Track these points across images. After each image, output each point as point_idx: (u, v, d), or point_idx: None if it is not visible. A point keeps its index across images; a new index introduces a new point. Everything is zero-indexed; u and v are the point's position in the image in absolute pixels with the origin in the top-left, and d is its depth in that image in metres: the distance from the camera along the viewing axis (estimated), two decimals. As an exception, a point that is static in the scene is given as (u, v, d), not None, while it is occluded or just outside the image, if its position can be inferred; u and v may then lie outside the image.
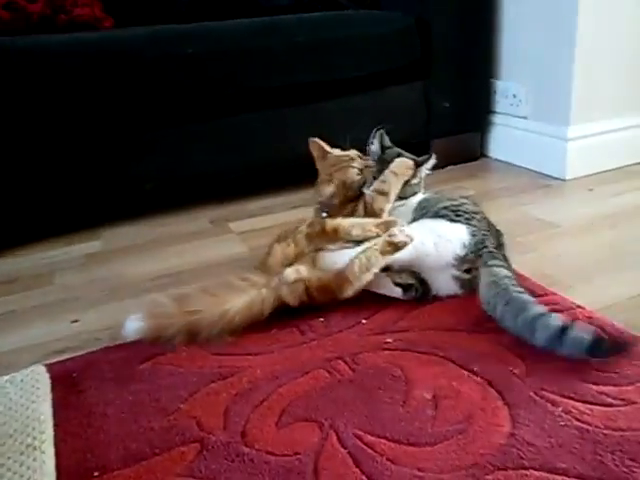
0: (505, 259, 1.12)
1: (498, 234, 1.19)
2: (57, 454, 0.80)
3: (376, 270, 1.10)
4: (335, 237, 1.17)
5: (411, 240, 1.10)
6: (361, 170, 1.31)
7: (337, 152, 1.37)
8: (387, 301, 1.15)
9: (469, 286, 1.12)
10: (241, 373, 0.96)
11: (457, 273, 1.12)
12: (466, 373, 0.91)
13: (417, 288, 1.14)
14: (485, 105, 2.13)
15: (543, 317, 0.93)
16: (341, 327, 1.08)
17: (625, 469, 0.72)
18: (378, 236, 1.14)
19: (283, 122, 1.84)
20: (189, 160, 1.77)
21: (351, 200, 1.32)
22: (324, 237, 1.18)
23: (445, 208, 1.20)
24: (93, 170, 1.66)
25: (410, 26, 1.91)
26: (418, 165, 1.30)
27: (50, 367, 1.01)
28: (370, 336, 1.04)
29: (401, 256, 1.11)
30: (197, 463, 0.77)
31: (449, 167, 2.07)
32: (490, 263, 1.08)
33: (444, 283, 1.14)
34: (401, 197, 1.29)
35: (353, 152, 1.36)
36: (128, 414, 0.88)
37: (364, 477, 0.73)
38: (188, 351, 1.04)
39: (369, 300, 1.15)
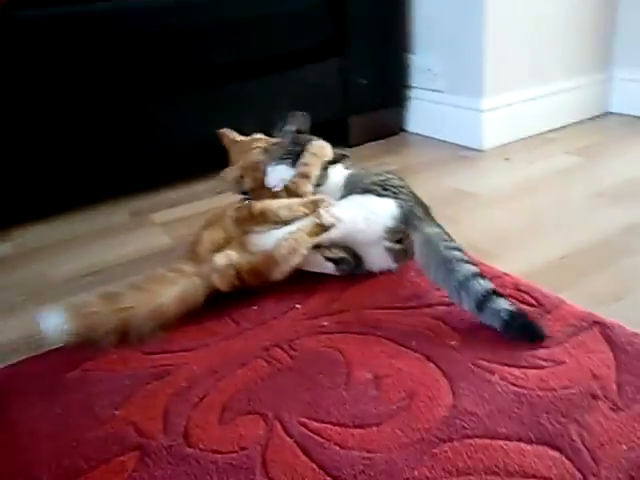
0: (434, 221, 1.13)
1: (425, 206, 1.20)
2: (-17, 481, 0.75)
3: (304, 252, 1.09)
4: (263, 219, 1.15)
5: (338, 220, 1.10)
6: (265, 149, 1.29)
7: (244, 138, 1.36)
8: (320, 283, 1.14)
9: (403, 257, 1.13)
10: (177, 371, 0.93)
11: (389, 245, 1.13)
12: (404, 350, 0.92)
13: (349, 261, 1.14)
14: (401, 80, 2.14)
15: (468, 282, 0.95)
16: (275, 314, 1.07)
17: (559, 426, 0.74)
18: (307, 215, 1.13)
19: (200, 105, 1.78)
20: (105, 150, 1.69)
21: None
22: (252, 220, 1.16)
23: (372, 183, 1.20)
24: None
25: (322, 2, 1.89)
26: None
27: (-35, 385, 0.94)
28: (305, 320, 1.03)
29: (333, 234, 1.11)
30: (139, 472, 0.74)
31: (369, 143, 2.09)
32: (421, 225, 1.10)
33: (377, 257, 1.15)
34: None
35: (259, 135, 1.35)
36: (59, 428, 0.83)
37: (314, 465, 0.72)
38: (118, 353, 0.99)
39: (301, 283, 1.13)
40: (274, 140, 1.33)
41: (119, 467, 0.75)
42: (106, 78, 1.64)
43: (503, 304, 0.92)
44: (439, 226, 1.12)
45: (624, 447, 0.70)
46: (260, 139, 1.33)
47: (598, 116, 2.09)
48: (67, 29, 1.56)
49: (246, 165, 1.29)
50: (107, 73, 1.63)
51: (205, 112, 1.79)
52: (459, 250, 1.02)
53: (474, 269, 0.97)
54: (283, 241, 1.09)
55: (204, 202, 1.69)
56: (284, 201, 1.19)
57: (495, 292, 0.94)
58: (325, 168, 1.27)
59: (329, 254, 1.14)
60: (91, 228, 1.60)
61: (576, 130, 1.99)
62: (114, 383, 0.92)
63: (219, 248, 1.13)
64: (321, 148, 1.27)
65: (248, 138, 1.35)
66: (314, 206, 1.14)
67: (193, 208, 1.66)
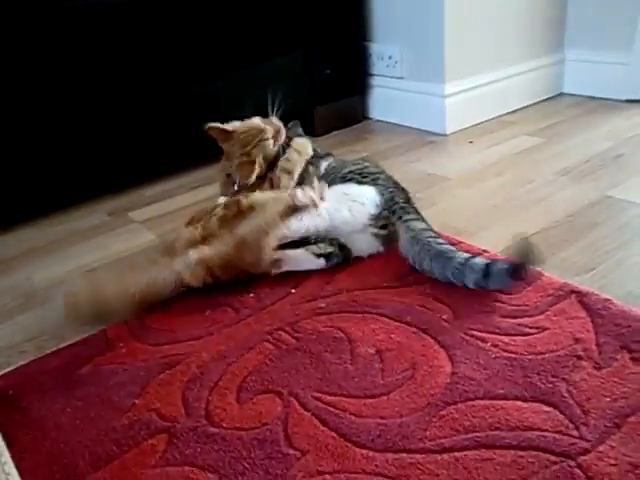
0: (417, 212, 1.20)
1: (405, 191, 1.26)
2: (21, 473, 0.78)
3: (275, 233, 1.13)
4: (253, 214, 1.19)
5: (311, 201, 1.15)
6: (274, 138, 1.32)
7: (240, 127, 1.36)
8: (310, 270, 1.19)
9: (388, 241, 1.20)
10: (187, 359, 0.97)
11: (375, 231, 1.19)
12: (401, 325, 0.99)
13: (337, 254, 1.20)
14: (363, 69, 2.21)
15: (468, 262, 1.03)
16: (272, 299, 1.12)
17: (550, 385, 0.82)
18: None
19: (175, 103, 1.81)
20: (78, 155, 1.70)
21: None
22: (241, 216, 1.19)
23: (351, 172, 1.26)
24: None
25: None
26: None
27: (-19, 388, 0.96)
28: (303, 304, 1.09)
29: (319, 226, 1.17)
30: (170, 452, 0.79)
31: (334, 132, 2.15)
32: (405, 218, 1.16)
33: (364, 243, 1.21)
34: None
35: (256, 120, 1.36)
36: (83, 420, 0.87)
37: (333, 433, 0.78)
38: (127, 346, 1.03)
39: (292, 272, 1.19)
40: (277, 125, 1.34)
41: (150, 449, 0.80)
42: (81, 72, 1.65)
43: (504, 264, 1.01)
44: (419, 215, 1.19)
45: (607, 399, 0.78)
46: (263, 129, 1.32)
47: (552, 97, 2.20)
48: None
49: (262, 161, 1.32)
50: (86, 70, 1.64)
51: (183, 108, 1.81)
52: (446, 243, 1.09)
53: (466, 254, 1.05)
54: (253, 224, 1.13)
55: (180, 197, 1.72)
56: (270, 194, 1.23)
57: (492, 261, 1.03)
58: (308, 164, 1.33)
59: (318, 251, 1.19)
60: (70, 230, 1.61)
61: (533, 112, 2.09)
62: (128, 375, 0.96)
63: (196, 245, 1.15)
64: (303, 146, 1.32)
65: (245, 127, 1.34)
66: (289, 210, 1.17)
67: (171, 204, 1.69)
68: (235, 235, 1.13)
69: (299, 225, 1.17)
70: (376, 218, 1.19)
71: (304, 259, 1.18)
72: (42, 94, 1.60)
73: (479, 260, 1.03)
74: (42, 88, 1.60)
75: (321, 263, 1.19)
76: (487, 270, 1.01)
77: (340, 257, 1.20)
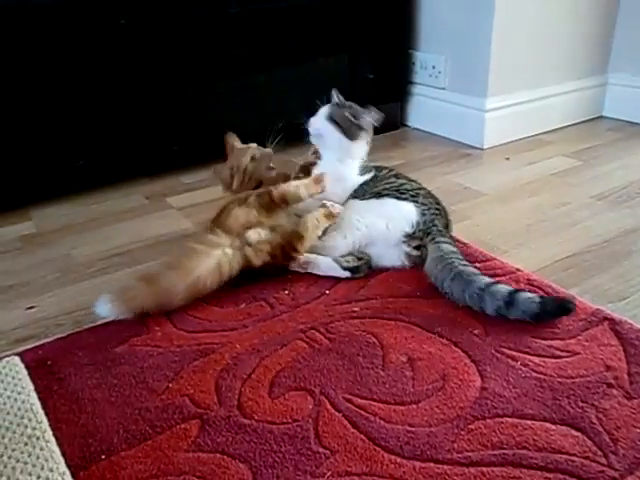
0: (452, 238, 1.21)
1: (445, 212, 1.26)
2: (58, 442, 0.81)
3: (320, 232, 1.20)
4: (285, 203, 1.23)
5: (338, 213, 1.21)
6: (253, 157, 1.35)
7: (242, 146, 1.40)
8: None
9: (419, 262, 1.20)
10: (221, 349, 1.00)
11: (408, 250, 1.20)
12: (432, 336, 1.00)
13: (363, 270, 1.21)
14: (405, 76, 2.22)
15: (490, 287, 1.03)
16: (307, 299, 1.14)
17: (579, 410, 0.83)
18: (318, 192, 1.23)
19: (215, 94, 1.83)
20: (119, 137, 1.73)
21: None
22: (275, 205, 1.22)
23: (386, 189, 1.26)
24: (17, 148, 1.58)
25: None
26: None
27: (22, 356, 0.99)
28: (336, 306, 1.11)
29: (361, 241, 1.21)
30: (202, 438, 0.81)
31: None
32: (437, 240, 1.17)
33: (393, 259, 1.22)
34: None
35: (254, 145, 1.40)
36: (118, 397, 0.90)
37: (363, 436, 0.80)
38: (162, 330, 1.05)
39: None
40: (266, 150, 1.38)
41: (183, 433, 0.82)
42: (138, 65, 1.68)
43: (530, 295, 1.01)
44: (453, 241, 1.19)
45: (638, 430, 0.79)
46: (254, 148, 1.37)
47: (592, 119, 2.20)
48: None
49: (234, 166, 1.35)
50: (134, 58, 1.67)
51: (223, 100, 1.84)
52: (473, 266, 1.10)
53: (490, 279, 1.05)
54: (307, 218, 1.19)
55: (214, 189, 1.73)
56: (296, 182, 1.26)
57: (517, 290, 1.03)
58: None
59: (345, 264, 1.20)
60: (108, 210, 1.64)
61: (571, 133, 2.09)
62: (163, 358, 0.98)
63: (250, 226, 1.19)
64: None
65: (245, 146, 1.40)
66: (316, 182, 1.23)
67: (208, 194, 1.70)
68: (298, 221, 1.19)
69: (344, 243, 1.21)
70: (410, 237, 1.19)
71: (330, 267, 1.20)
72: (95, 71, 1.64)
73: (502, 287, 1.03)
74: (94, 67, 1.63)
75: (346, 274, 1.20)
76: (510, 298, 1.01)
77: (365, 271, 1.21)
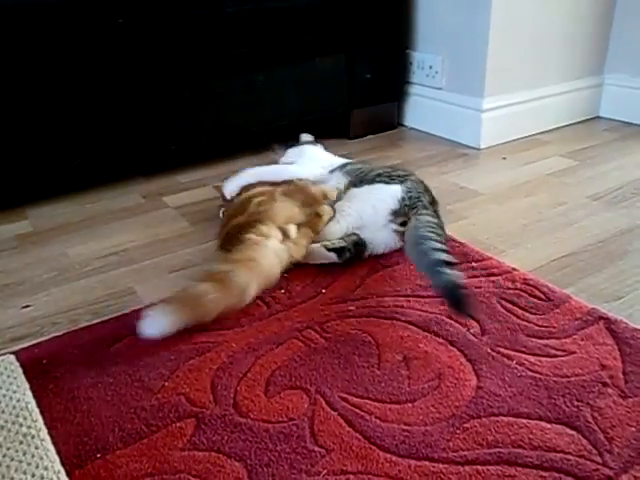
0: (436, 213, 1.23)
1: (431, 194, 1.29)
2: (53, 441, 0.80)
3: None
4: (326, 199, 1.27)
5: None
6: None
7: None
8: (341, 272, 1.21)
9: None
10: (217, 348, 1.00)
11: (394, 227, 1.22)
12: (428, 335, 1.00)
13: (350, 249, 1.22)
14: (402, 76, 2.22)
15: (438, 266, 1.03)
16: (303, 298, 1.14)
17: (575, 408, 0.83)
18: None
19: (213, 94, 1.83)
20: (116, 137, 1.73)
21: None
22: (318, 203, 1.24)
23: (379, 175, 1.30)
24: (13, 147, 1.58)
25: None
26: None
27: (17, 355, 0.99)
28: (332, 305, 1.11)
29: (353, 225, 1.23)
30: (198, 436, 0.81)
31: (369, 136, 2.17)
32: (420, 212, 1.19)
33: (384, 239, 1.24)
34: None
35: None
36: (113, 396, 0.90)
37: (359, 435, 0.80)
38: (158, 329, 1.05)
39: (323, 272, 1.21)
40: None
41: (178, 432, 0.82)
42: (132, 64, 1.67)
43: (452, 273, 1.01)
44: (437, 215, 1.22)
45: (633, 429, 0.79)
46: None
47: (588, 120, 2.20)
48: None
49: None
50: (131, 57, 1.67)
51: (220, 99, 1.84)
52: (438, 240, 1.10)
53: (445, 257, 1.05)
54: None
55: (211, 189, 1.74)
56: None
57: (447, 262, 1.03)
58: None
59: (330, 245, 1.21)
60: (104, 209, 1.64)
61: (568, 133, 2.09)
62: (158, 357, 0.98)
63: (291, 222, 1.19)
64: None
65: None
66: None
67: (204, 193, 1.71)
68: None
69: (338, 228, 1.22)
70: (396, 214, 1.21)
71: (317, 253, 1.21)
72: (92, 70, 1.63)
73: (449, 273, 1.01)
74: (91, 66, 1.63)
75: (333, 257, 1.21)
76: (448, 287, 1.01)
77: (352, 252, 1.21)
